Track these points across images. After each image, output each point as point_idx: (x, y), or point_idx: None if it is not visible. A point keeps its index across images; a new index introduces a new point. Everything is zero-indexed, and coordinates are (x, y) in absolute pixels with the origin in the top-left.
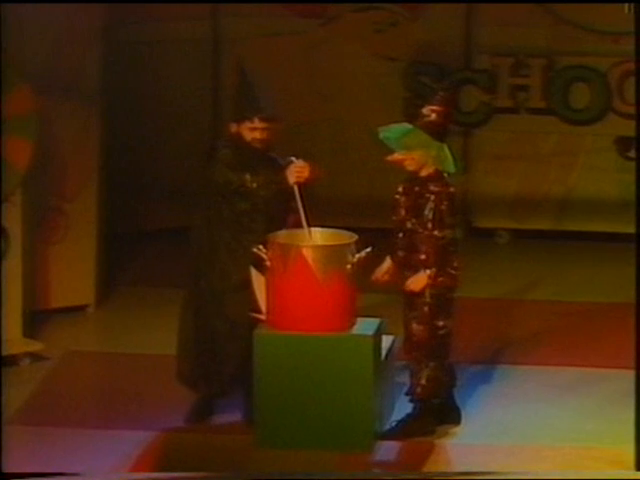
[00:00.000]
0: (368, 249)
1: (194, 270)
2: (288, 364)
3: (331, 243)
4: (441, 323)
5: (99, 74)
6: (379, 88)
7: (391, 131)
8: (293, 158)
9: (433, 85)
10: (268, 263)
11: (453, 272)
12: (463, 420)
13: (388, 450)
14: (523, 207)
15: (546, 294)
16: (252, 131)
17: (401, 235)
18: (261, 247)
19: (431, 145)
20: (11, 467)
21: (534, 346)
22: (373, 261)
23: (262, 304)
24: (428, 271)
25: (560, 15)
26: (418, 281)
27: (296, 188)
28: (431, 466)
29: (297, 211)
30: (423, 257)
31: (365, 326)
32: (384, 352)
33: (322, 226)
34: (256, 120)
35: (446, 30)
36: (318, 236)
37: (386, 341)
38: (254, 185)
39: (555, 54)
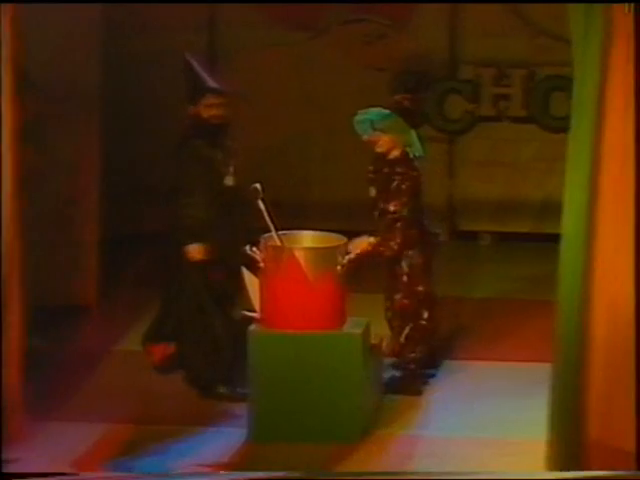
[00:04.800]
0: (357, 251)
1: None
2: (281, 361)
3: (322, 245)
4: (420, 289)
5: (99, 82)
6: (368, 97)
7: (369, 114)
8: (257, 185)
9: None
10: (261, 265)
11: (394, 246)
12: (446, 414)
13: (375, 443)
14: (505, 211)
15: (526, 293)
16: (208, 108)
17: (377, 214)
18: (255, 249)
19: (404, 129)
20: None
21: (515, 342)
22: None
23: (256, 304)
24: (372, 238)
25: (539, 27)
26: (356, 245)
27: (261, 203)
28: (414, 457)
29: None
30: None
31: (354, 325)
32: (372, 350)
33: (314, 229)
34: (209, 97)
35: (431, 42)
36: (309, 239)
37: (374, 339)
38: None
39: (535, 65)
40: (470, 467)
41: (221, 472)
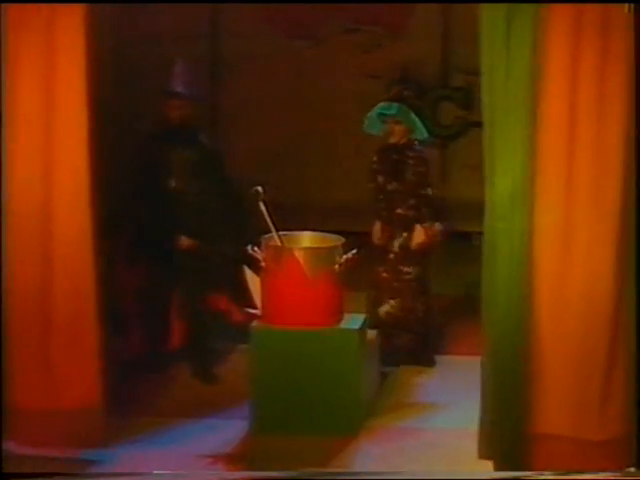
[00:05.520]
0: (354, 250)
1: None
2: (282, 356)
3: (320, 245)
4: (406, 269)
5: (102, 89)
6: (365, 104)
7: (378, 109)
8: (259, 187)
9: (414, 101)
10: (263, 264)
11: (440, 225)
12: (442, 407)
13: (373, 435)
14: None
15: None
16: (171, 109)
17: (382, 197)
18: (256, 249)
19: (410, 116)
20: None
21: None
22: (358, 262)
23: (257, 301)
24: (424, 225)
25: None
26: (418, 236)
27: (262, 205)
28: (411, 449)
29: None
30: (400, 211)
31: (352, 321)
32: (369, 345)
33: (312, 229)
34: (172, 99)
35: (425, 51)
36: (308, 239)
37: (370, 335)
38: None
39: None
40: (466, 458)
41: (221, 472)
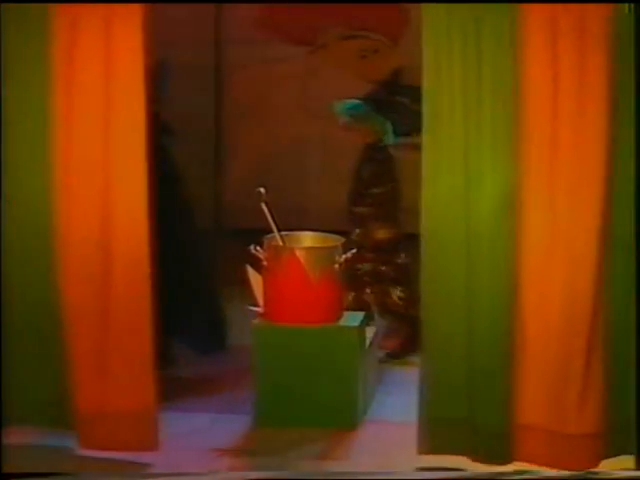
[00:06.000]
0: (354, 250)
1: None
2: (283, 352)
3: (321, 245)
4: (358, 265)
5: None
6: None
7: (346, 104)
8: (261, 189)
9: (410, 105)
10: (265, 263)
11: (393, 226)
12: None
13: (372, 428)
14: None
15: None
16: None
17: (353, 197)
18: (258, 249)
19: (373, 118)
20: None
21: None
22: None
23: (259, 299)
24: (378, 223)
25: None
26: (376, 233)
27: (265, 206)
28: (409, 441)
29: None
30: (357, 210)
31: (351, 318)
32: (368, 341)
33: (313, 230)
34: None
35: (422, 56)
36: (309, 239)
37: (370, 332)
38: None
39: None
40: None
41: (222, 472)
